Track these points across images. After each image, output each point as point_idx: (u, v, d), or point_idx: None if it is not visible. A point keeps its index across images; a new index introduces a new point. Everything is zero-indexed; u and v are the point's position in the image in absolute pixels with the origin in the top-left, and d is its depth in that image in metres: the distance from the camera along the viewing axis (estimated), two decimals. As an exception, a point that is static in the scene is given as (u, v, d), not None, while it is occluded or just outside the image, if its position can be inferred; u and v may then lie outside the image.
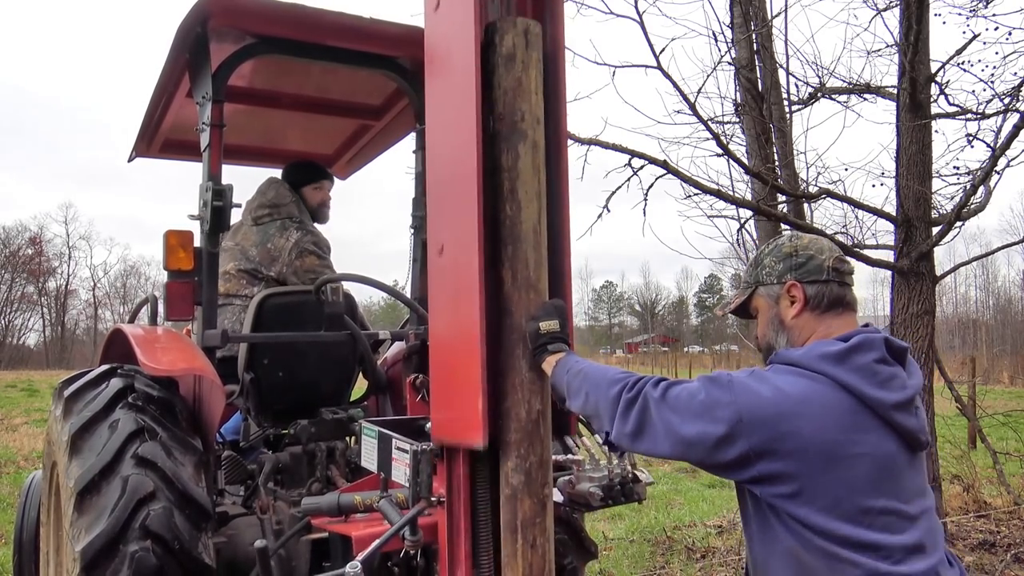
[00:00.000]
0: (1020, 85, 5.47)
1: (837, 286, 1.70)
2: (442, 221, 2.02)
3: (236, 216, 3.45)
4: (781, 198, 6.07)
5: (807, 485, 1.49)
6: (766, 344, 1.80)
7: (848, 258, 1.76)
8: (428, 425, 2.08)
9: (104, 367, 2.69)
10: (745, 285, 1.82)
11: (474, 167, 1.83)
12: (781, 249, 1.75)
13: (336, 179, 4.52)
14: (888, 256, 5.86)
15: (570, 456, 2.18)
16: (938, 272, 5.82)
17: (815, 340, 1.67)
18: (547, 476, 1.89)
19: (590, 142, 5.51)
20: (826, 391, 1.52)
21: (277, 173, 3.77)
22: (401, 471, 2.06)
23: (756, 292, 1.79)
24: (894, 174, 5.71)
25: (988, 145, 5.52)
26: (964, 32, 5.59)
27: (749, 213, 6.07)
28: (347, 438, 3.17)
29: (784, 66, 6.08)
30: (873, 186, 11.12)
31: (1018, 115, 5.21)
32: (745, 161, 5.97)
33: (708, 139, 5.65)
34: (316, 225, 3.71)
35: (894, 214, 5.66)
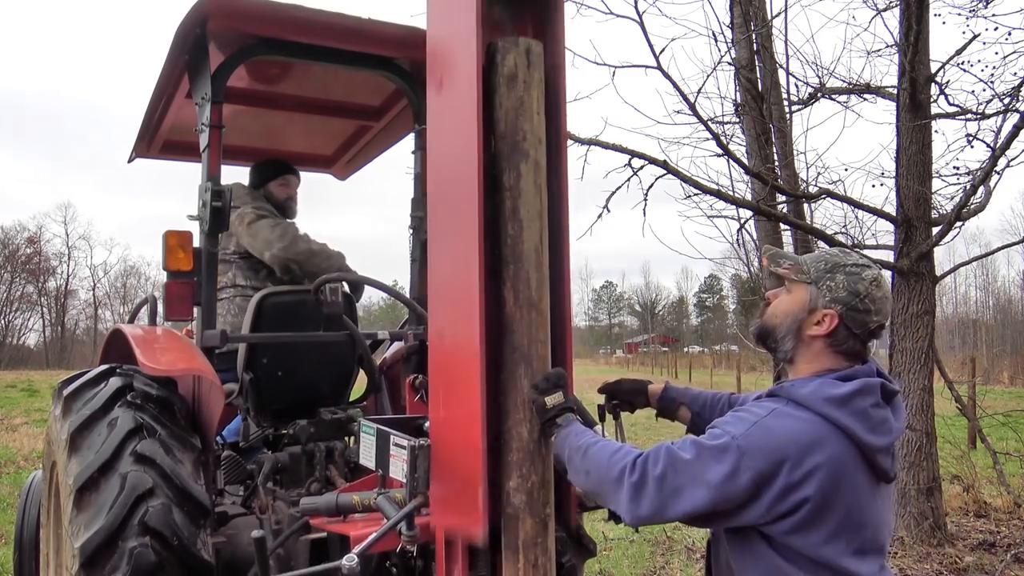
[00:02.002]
0: (1020, 85, 5.48)
1: (860, 344, 1.73)
2: (443, 243, 2.03)
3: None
4: (781, 198, 6.08)
5: (810, 519, 1.58)
6: (769, 326, 1.80)
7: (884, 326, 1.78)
8: (427, 424, 2.08)
9: (103, 367, 2.69)
10: (804, 274, 1.76)
11: (475, 188, 1.84)
12: (857, 283, 1.70)
13: (337, 180, 4.56)
14: (888, 256, 5.87)
15: None
16: (938, 272, 5.82)
17: (819, 372, 1.71)
18: (548, 496, 1.90)
19: (590, 142, 5.52)
20: (827, 434, 1.60)
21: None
22: (399, 467, 2.06)
23: (807, 284, 1.75)
24: (894, 174, 5.71)
25: (988, 145, 5.52)
26: (964, 32, 5.60)
27: (749, 213, 6.08)
28: (346, 438, 3.17)
29: (784, 66, 6.10)
30: (873, 186, 11.15)
31: (1018, 115, 5.22)
32: (745, 161, 5.98)
33: (708, 139, 5.66)
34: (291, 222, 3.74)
35: (894, 214, 5.66)
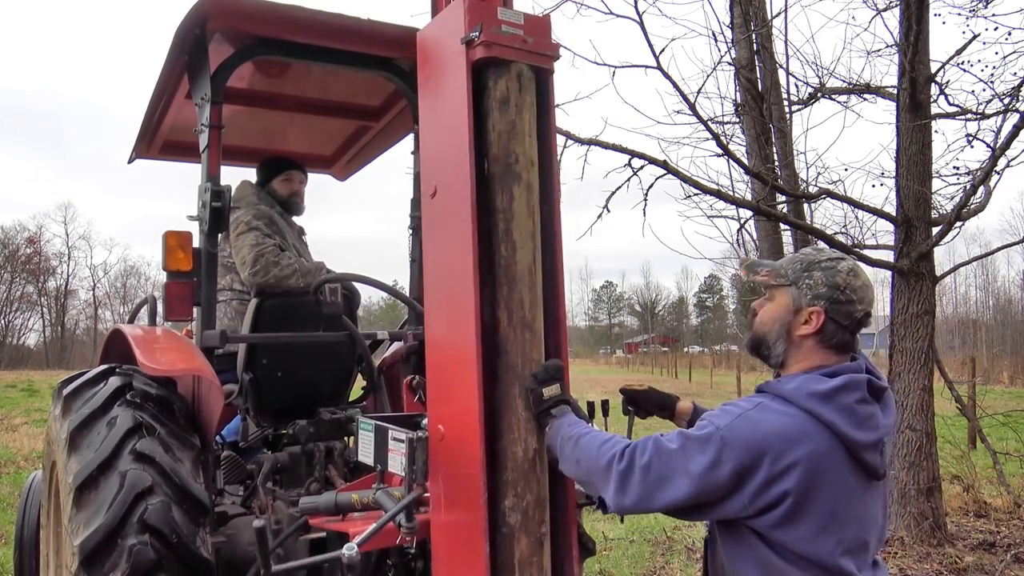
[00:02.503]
0: (1020, 85, 5.48)
1: (849, 335, 1.74)
2: (439, 269, 2.04)
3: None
4: (781, 198, 6.08)
5: (792, 513, 1.59)
6: (760, 335, 1.82)
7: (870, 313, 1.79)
8: (424, 421, 2.09)
9: (103, 367, 2.69)
10: (783, 277, 1.78)
11: (468, 212, 1.86)
12: (835, 276, 1.72)
13: (337, 180, 4.56)
14: (888, 256, 5.87)
15: None
16: (938, 272, 5.82)
17: (808, 370, 1.72)
18: (544, 514, 1.90)
19: (590, 142, 5.52)
20: (811, 429, 1.61)
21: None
22: (397, 460, 2.08)
23: (787, 287, 1.77)
24: (894, 174, 5.71)
25: (988, 145, 5.52)
26: (964, 32, 5.61)
27: (749, 213, 6.08)
28: (345, 438, 3.18)
29: (784, 66, 6.10)
30: (873, 186, 11.13)
31: (1018, 115, 5.22)
32: (745, 161, 5.98)
33: (708, 139, 5.66)
34: (295, 218, 3.74)
35: (894, 214, 5.66)
